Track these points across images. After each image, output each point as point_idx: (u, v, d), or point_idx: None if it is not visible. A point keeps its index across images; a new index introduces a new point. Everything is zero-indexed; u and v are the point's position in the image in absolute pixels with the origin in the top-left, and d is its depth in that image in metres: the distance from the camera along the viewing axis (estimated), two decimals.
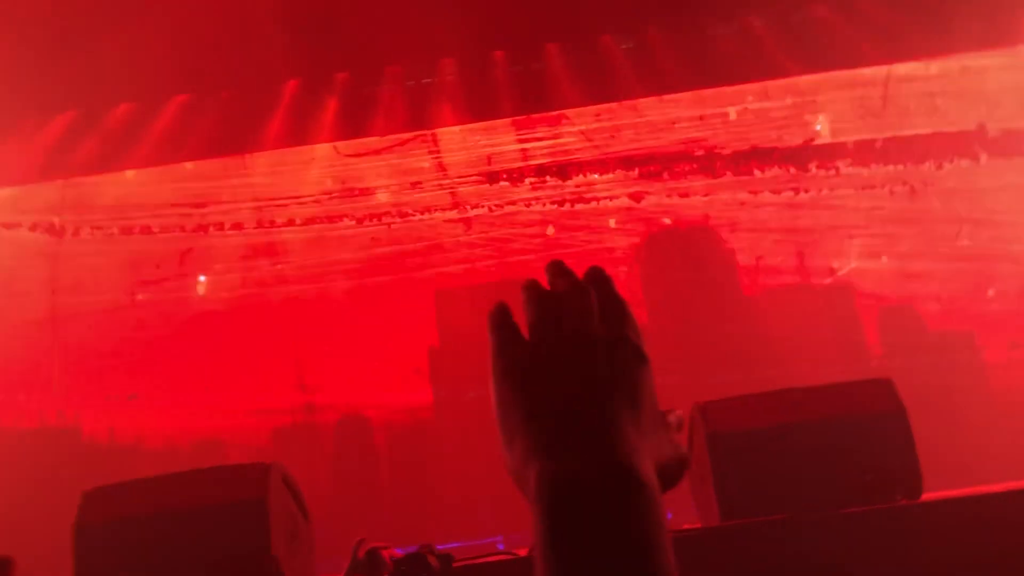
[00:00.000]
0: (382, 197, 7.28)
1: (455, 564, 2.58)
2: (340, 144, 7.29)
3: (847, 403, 2.90)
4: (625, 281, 6.89)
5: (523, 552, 2.78)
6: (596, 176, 7.27)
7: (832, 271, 7.01)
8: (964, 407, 6.00)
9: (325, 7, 6.13)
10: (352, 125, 7.11)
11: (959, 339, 6.68)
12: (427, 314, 6.81)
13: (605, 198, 7.22)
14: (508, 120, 7.34)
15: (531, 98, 7.12)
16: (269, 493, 2.72)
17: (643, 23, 7.16)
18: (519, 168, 7.28)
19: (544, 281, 0.78)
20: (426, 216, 7.20)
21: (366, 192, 7.30)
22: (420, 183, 7.28)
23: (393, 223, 7.22)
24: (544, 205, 7.22)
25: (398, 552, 2.61)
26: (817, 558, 2.56)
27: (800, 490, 2.80)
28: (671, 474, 0.69)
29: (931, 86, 7.24)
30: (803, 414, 2.90)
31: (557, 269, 0.78)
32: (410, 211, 7.22)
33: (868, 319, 6.84)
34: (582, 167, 7.29)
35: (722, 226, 7.10)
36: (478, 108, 7.12)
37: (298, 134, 7.06)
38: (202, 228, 7.24)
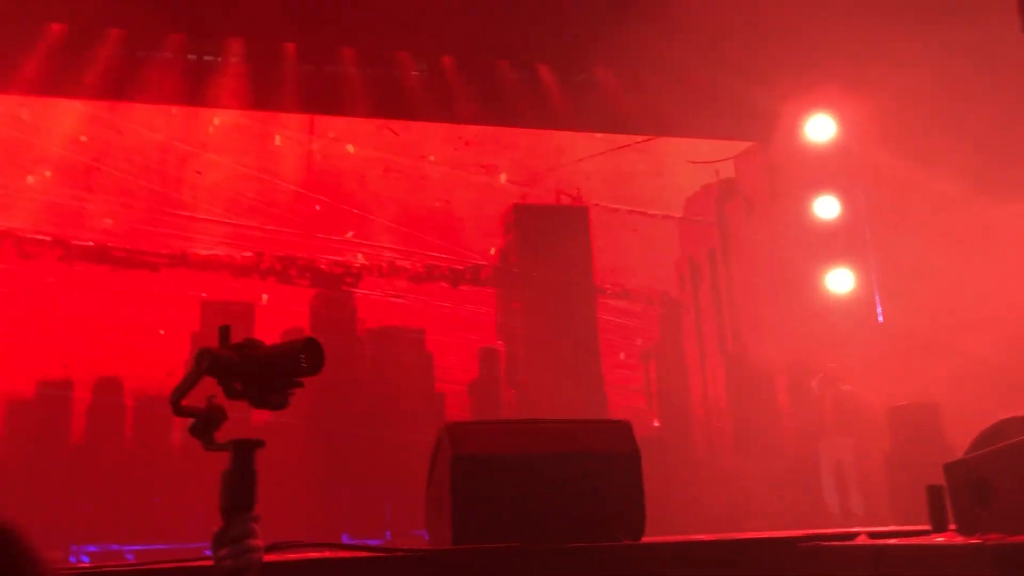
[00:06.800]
0: None
1: None
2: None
3: (588, 440, 2.98)
4: None
5: None
6: None
7: None
8: None
9: None
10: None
11: None
12: None
13: None
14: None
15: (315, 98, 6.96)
16: None
17: (439, 51, 7.21)
18: None
19: None
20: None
21: None
22: None
23: None
24: None
25: None
26: None
27: (533, 520, 2.83)
28: None
29: None
30: (545, 445, 2.94)
31: None
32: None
33: None
34: None
35: None
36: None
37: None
38: None
